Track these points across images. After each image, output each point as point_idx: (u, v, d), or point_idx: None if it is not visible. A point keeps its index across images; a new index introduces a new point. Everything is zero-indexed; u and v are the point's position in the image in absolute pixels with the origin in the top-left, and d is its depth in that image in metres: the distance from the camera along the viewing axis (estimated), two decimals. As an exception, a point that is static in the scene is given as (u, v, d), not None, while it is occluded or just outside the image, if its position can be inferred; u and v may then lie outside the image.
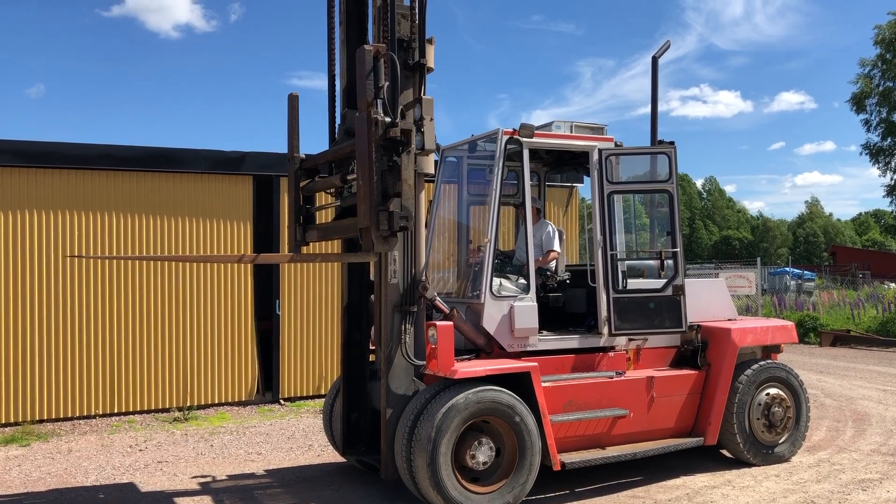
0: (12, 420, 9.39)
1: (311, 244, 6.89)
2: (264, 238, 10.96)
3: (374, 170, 5.47)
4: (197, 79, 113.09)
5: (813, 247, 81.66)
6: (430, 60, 6.09)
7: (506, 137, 6.59)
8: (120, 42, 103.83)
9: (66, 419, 9.66)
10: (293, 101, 6.70)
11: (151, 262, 10.08)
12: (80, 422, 9.64)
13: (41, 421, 9.52)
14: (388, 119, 5.48)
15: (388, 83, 5.55)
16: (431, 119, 5.85)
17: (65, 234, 9.69)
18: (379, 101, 5.47)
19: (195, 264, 10.31)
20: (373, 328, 6.69)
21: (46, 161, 9.61)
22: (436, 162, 7.39)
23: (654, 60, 7.81)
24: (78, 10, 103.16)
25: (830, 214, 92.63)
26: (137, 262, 10.01)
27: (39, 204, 9.58)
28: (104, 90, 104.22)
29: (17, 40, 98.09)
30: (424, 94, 5.91)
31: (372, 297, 6.53)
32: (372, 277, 6.57)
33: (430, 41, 6.09)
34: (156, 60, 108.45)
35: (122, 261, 9.94)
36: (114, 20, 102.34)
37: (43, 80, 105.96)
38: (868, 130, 40.24)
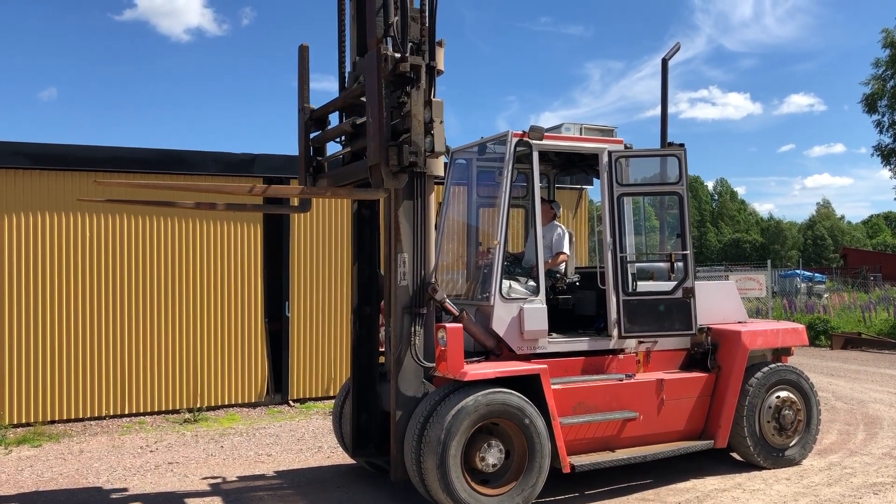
0: (24, 421, 9.45)
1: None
2: (274, 239, 11.00)
3: (384, 106, 5.53)
4: (207, 82, 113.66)
5: (822, 249, 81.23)
6: (440, 63, 6.09)
7: (515, 140, 6.58)
8: (131, 45, 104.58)
9: (77, 420, 9.71)
10: (303, 52, 6.79)
11: (164, 266, 10.13)
12: (91, 423, 9.69)
13: (53, 422, 9.58)
14: (397, 55, 5.52)
15: (397, 19, 5.59)
16: (441, 121, 5.86)
17: (76, 235, 9.75)
18: (389, 38, 5.54)
19: (207, 267, 10.37)
20: (382, 329, 6.70)
21: (58, 163, 9.67)
22: (445, 164, 7.41)
23: (664, 62, 7.80)
24: (90, 14, 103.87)
25: (842, 217, 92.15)
26: (151, 266, 10.06)
27: (51, 206, 9.64)
28: (115, 93, 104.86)
29: (29, 44, 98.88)
30: (434, 97, 5.92)
31: (381, 270, 6.54)
32: (381, 269, 6.59)
33: (439, 44, 6.09)
34: (166, 63, 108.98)
35: (135, 260, 9.98)
36: (125, 23, 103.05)
37: (55, 83, 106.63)
38: (880, 132, 39.99)
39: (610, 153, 6.86)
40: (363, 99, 6.00)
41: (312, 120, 6.81)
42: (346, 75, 6.76)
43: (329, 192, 6.57)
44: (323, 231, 11.14)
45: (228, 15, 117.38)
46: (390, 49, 5.56)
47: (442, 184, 7.70)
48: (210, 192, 6.17)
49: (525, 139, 6.57)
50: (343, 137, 6.72)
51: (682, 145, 7.04)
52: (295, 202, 6.94)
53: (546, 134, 6.65)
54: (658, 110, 7.90)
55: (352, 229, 6.92)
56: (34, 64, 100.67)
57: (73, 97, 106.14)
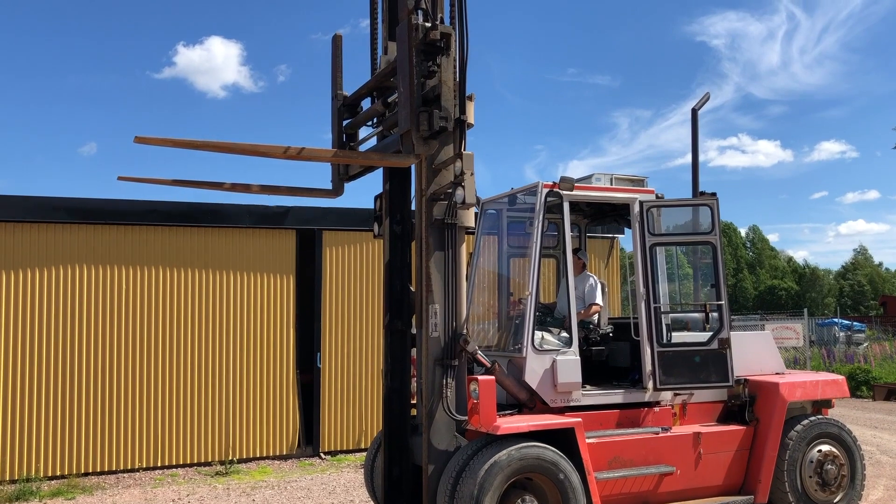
0: (59, 473, 9.49)
1: (353, 176, 7.09)
2: (307, 290, 11.07)
3: (415, 74, 5.72)
4: (243, 136, 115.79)
5: (860, 297, 79.61)
6: (471, 116, 6.17)
7: (546, 190, 6.60)
8: (169, 102, 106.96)
9: (110, 472, 9.74)
10: (337, 41, 7.02)
11: (196, 318, 10.23)
12: (125, 475, 9.71)
13: (86, 474, 9.61)
14: (427, 24, 5.73)
15: None
16: (472, 173, 5.91)
17: (111, 288, 9.91)
18: (420, 10, 5.77)
19: (239, 319, 10.45)
20: (413, 381, 6.66)
21: (97, 217, 9.90)
22: (476, 214, 7.44)
23: (694, 112, 7.83)
24: (130, 73, 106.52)
25: (879, 264, 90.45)
26: (184, 318, 10.17)
27: (90, 259, 9.83)
28: (153, 147, 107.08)
29: (70, 101, 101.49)
30: (465, 150, 5.98)
31: (412, 286, 6.53)
32: (412, 285, 6.58)
33: (469, 98, 6.18)
34: (203, 119, 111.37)
35: (168, 313, 10.10)
36: (164, 81, 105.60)
37: (95, 139, 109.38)
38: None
39: (641, 203, 6.85)
40: (394, 80, 6.21)
41: (345, 106, 7.03)
42: (378, 61, 6.97)
43: (361, 156, 6.67)
44: (354, 282, 11.20)
45: (264, 72, 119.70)
46: (421, 19, 5.79)
47: (473, 234, 7.72)
48: (245, 153, 6.21)
49: (555, 190, 6.59)
50: (375, 120, 6.93)
51: (713, 194, 7.01)
52: (330, 187, 7.12)
53: (576, 184, 6.67)
54: (688, 158, 7.94)
55: (383, 251, 6.91)
56: (75, 120, 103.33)
57: (113, 152, 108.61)
